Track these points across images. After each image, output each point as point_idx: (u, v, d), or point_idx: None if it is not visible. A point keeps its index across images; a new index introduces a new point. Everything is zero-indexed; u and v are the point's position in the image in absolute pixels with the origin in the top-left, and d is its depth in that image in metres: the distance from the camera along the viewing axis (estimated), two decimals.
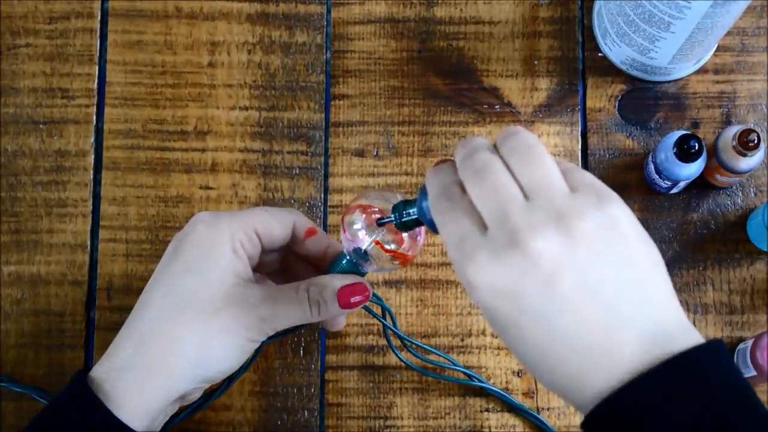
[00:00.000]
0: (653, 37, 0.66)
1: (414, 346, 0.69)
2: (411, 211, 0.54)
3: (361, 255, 0.57)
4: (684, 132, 0.67)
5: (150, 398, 0.54)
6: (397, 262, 0.58)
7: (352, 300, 0.57)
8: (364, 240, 0.57)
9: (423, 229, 0.58)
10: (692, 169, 0.67)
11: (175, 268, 0.56)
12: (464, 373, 0.69)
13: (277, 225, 0.58)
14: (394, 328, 0.66)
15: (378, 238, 0.57)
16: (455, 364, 0.69)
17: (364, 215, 0.57)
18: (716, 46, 0.73)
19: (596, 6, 0.74)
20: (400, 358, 0.68)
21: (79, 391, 0.53)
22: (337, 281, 0.58)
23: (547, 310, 0.42)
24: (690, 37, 0.65)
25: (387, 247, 0.57)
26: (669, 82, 0.73)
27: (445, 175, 0.47)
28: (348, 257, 0.59)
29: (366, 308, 0.64)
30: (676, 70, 0.72)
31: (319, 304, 0.57)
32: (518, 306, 0.43)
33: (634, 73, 0.73)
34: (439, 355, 0.69)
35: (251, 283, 0.56)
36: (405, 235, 0.57)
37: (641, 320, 0.43)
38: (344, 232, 0.58)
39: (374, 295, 0.63)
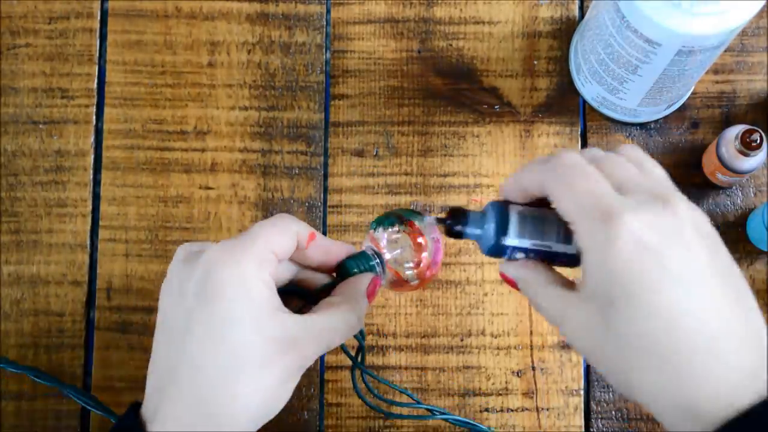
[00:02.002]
0: (622, 78, 0.66)
1: (374, 381, 0.66)
2: (470, 226, 0.52)
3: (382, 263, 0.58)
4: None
5: None
6: (415, 283, 0.59)
7: (373, 293, 0.56)
8: (387, 251, 0.58)
9: (440, 260, 0.59)
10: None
11: (216, 321, 0.51)
12: (427, 410, 0.65)
13: (287, 239, 0.55)
14: (360, 365, 0.62)
15: (398, 255, 0.58)
16: (418, 403, 0.66)
17: (405, 233, 0.58)
18: (690, 91, 0.73)
19: (573, 41, 0.74)
20: (363, 401, 0.66)
21: None
22: (362, 280, 0.56)
23: (688, 276, 0.41)
24: (657, 82, 0.65)
25: (407, 265, 0.58)
26: (637, 124, 0.73)
27: (569, 156, 0.47)
28: (374, 260, 0.58)
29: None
30: (645, 113, 0.71)
31: (360, 308, 0.55)
32: (661, 265, 0.42)
33: (605, 111, 0.72)
34: (403, 392, 0.66)
35: (289, 315, 0.53)
36: (425, 255, 0.58)
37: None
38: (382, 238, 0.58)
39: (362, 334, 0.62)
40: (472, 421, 0.66)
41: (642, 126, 0.73)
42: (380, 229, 0.59)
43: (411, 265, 0.59)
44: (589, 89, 0.71)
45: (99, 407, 0.67)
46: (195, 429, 0.51)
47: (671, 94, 0.68)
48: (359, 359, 0.61)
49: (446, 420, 0.66)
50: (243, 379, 0.51)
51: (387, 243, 0.58)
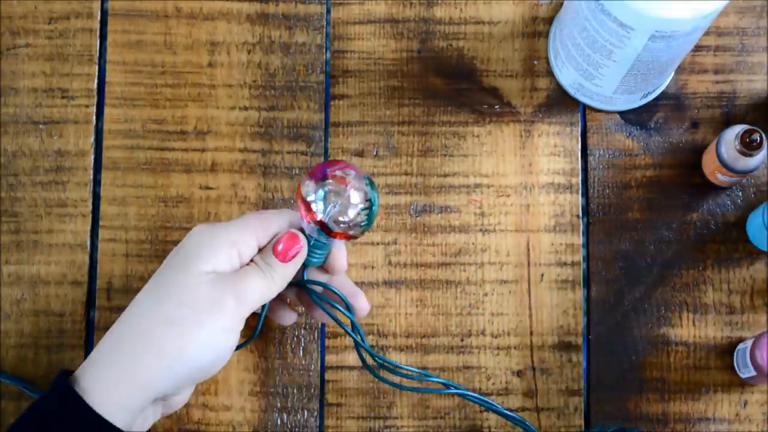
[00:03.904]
0: (597, 63, 0.66)
1: (384, 362, 0.66)
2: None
3: (317, 229, 0.59)
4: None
5: (127, 393, 0.54)
6: (352, 232, 0.59)
7: (290, 252, 0.59)
8: (319, 212, 0.58)
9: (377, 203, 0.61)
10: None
11: (163, 269, 0.57)
12: (441, 383, 0.66)
13: (272, 226, 0.60)
14: (363, 344, 0.63)
15: (332, 213, 0.58)
16: (429, 376, 0.66)
17: (318, 186, 0.58)
18: (668, 80, 0.73)
19: (552, 27, 0.74)
20: (374, 374, 0.66)
21: (59, 388, 0.54)
22: (272, 241, 0.59)
23: None
24: (632, 68, 0.65)
25: (342, 218, 0.59)
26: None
27: None
28: (309, 234, 0.60)
29: (337, 321, 0.63)
30: (621, 101, 0.71)
31: (268, 266, 0.58)
32: None
33: (581, 98, 0.72)
34: (412, 371, 0.65)
35: (223, 273, 0.57)
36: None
37: None
38: (300, 207, 0.59)
39: (347, 305, 0.63)
40: (488, 400, 0.66)
41: (642, 126, 0.73)
42: (309, 183, 0.59)
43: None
44: (566, 75, 0.71)
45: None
46: (107, 360, 0.55)
47: (647, 83, 0.68)
48: (360, 338, 0.62)
49: (460, 395, 0.66)
50: (161, 317, 0.55)
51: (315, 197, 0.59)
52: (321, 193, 0.58)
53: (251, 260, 0.59)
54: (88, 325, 0.71)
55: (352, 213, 0.58)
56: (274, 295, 0.59)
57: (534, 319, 0.71)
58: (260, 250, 0.60)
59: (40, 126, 0.73)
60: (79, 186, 0.73)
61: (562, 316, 0.71)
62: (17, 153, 0.73)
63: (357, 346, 0.63)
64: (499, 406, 0.66)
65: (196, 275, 0.56)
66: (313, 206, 0.58)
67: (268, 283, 0.58)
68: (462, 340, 0.71)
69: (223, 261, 0.57)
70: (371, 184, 0.60)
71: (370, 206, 0.59)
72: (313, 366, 0.70)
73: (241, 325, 0.57)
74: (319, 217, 0.58)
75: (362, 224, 0.59)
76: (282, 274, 0.59)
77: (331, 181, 0.58)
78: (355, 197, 0.58)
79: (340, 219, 0.58)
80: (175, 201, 0.72)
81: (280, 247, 0.58)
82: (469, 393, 0.66)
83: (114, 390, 0.54)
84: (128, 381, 0.54)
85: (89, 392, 0.54)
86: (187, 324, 0.55)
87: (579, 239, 0.72)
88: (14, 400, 0.69)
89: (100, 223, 0.72)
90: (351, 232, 0.59)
